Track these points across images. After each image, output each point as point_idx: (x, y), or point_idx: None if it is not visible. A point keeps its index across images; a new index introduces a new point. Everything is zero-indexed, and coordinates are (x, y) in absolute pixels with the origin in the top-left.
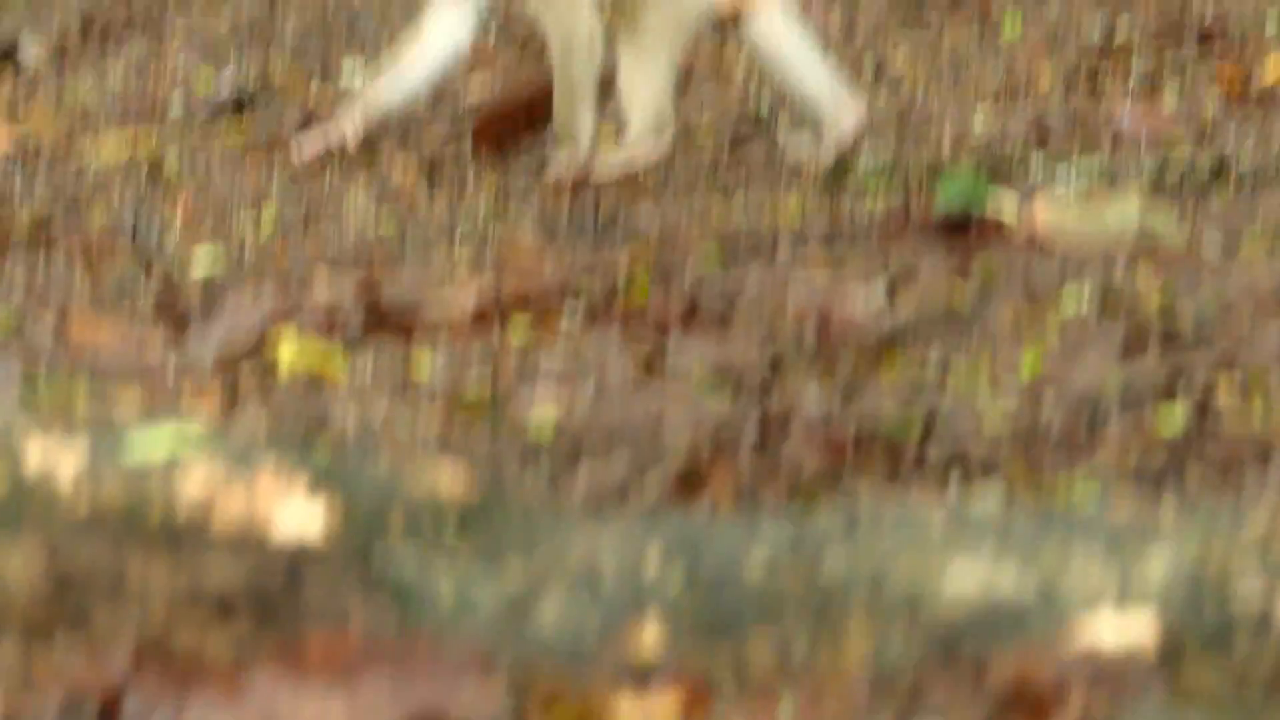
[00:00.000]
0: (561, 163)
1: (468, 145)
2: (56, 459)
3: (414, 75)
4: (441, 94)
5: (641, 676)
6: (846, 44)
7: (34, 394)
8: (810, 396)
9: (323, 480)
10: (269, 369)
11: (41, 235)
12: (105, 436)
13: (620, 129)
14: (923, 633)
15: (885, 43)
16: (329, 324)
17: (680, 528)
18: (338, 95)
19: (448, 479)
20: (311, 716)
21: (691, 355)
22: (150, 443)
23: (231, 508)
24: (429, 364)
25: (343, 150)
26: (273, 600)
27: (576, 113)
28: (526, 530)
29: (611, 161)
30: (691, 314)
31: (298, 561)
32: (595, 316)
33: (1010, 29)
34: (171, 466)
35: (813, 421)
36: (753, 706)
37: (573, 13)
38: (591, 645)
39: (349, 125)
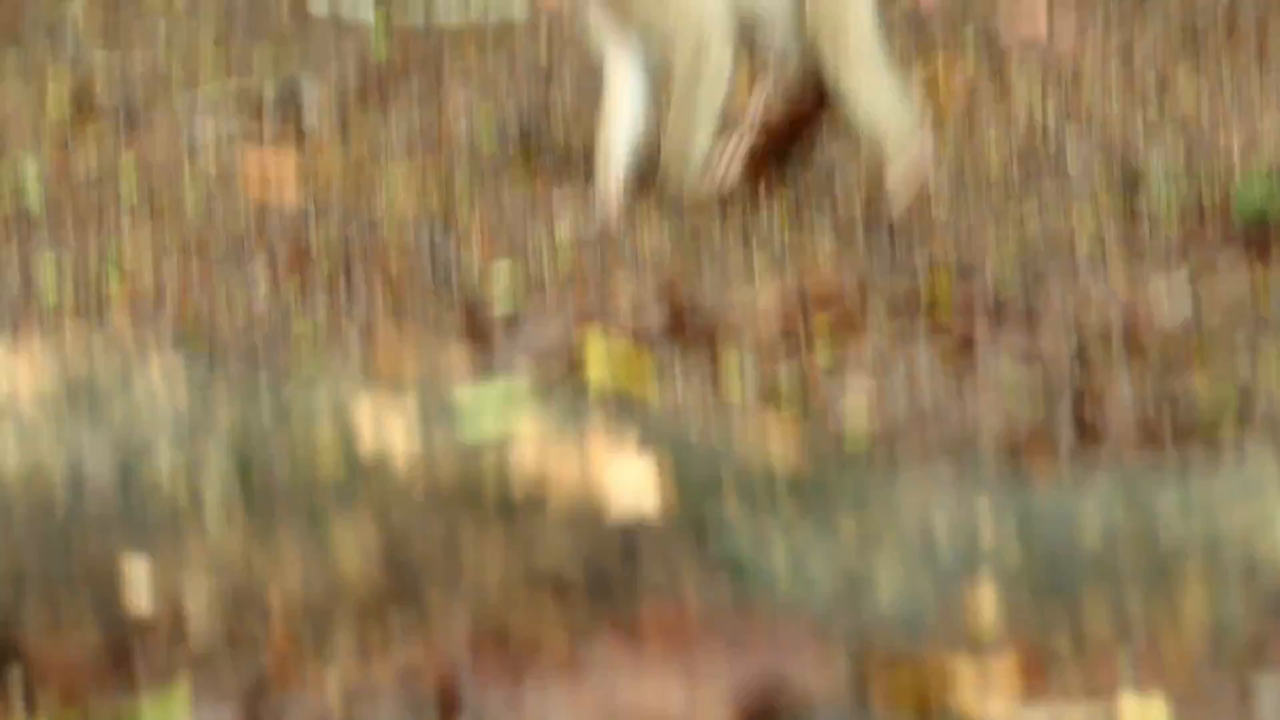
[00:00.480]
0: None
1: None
2: (390, 431)
3: (619, 135)
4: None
5: (979, 643)
6: (1125, 65)
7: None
8: (1122, 385)
9: (653, 442)
10: (577, 367)
11: (341, 259)
12: (434, 398)
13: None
14: (1260, 591)
15: (1164, 64)
16: (633, 325)
17: (1012, 492)
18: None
19: (778, 444)
20: (649, 694)
21: (999, 350)
22: (479, 402)
23: (565, 478)
24: (736, 362)
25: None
26: (609, 577)
27: (692, 141)
28: (858, 497)
29: (897, 180)
30: (996, 311)
31: (633, 536)
32: (899, 315)
33: None
34: (505, 439)
35: (1128, 407)
36: (1091, 670)
37: (700, 27)
38: (928, 613)
39: (607, 198)
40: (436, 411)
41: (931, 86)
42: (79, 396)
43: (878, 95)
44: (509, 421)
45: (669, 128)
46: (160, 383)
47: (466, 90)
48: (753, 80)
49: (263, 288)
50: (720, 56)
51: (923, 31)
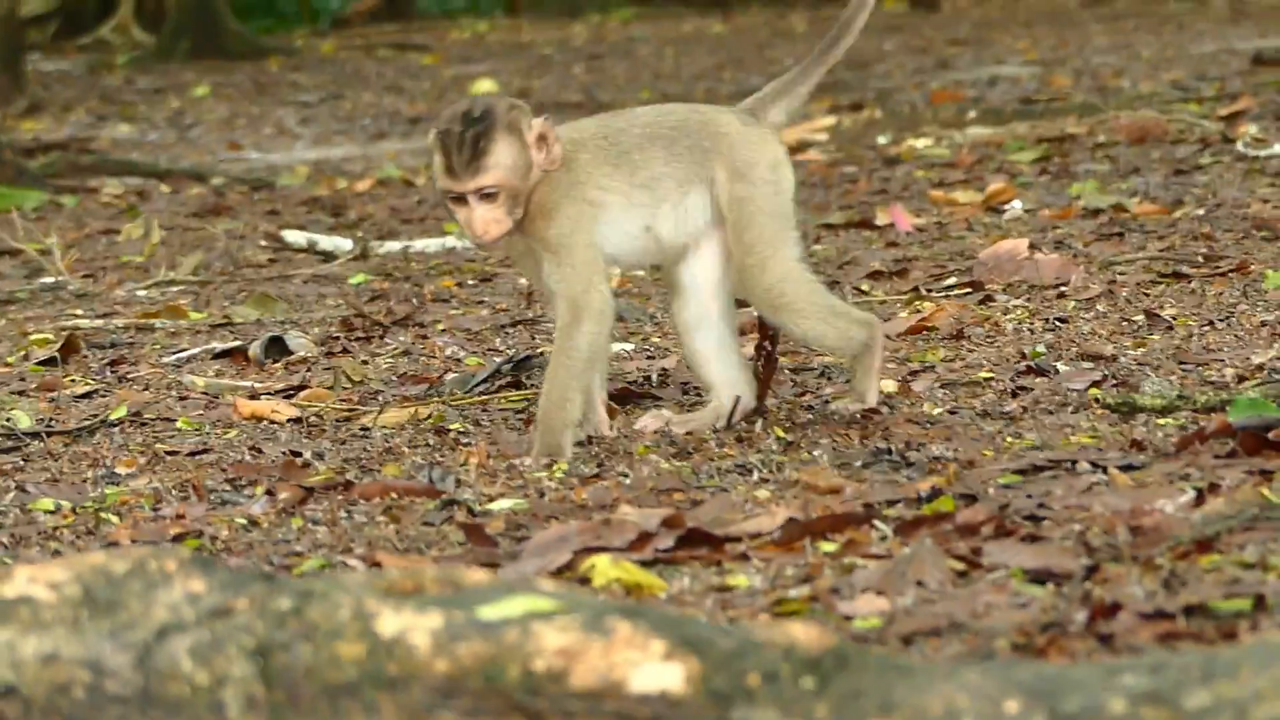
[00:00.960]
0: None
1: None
2: (413, 633)
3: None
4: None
5: None
6: (1110, 297)
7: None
8: (1133, 585)
9: (677, 636)
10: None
11: (339, 486)
12: (457, 608)
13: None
14: None
15: (1149, 296)
16: (639, 548)
17: (1037, 675)
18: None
19: (801, 633)
20: None
21: (1006, 556)
22: (503, 612)
23: (589, 669)
24: (745, 576)
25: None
26: None
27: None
28: (883, 683)
29: (863, 381)
30: (1001, 521)
31: (657, 710)
32: (905, 531)
33: (1273, 280)
34: (527, 629)
35: (1140, 605)
36: None
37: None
38: None
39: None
40: (462, 621)
41: (913, 307)
42: (97, 602)
43: (814, 322)
44: (534, 630)
45: (546, 380)
46: (179, 589)
47: (450, 338)
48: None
49: (264, 520)
50: (605, 304)
51: (902, 254)
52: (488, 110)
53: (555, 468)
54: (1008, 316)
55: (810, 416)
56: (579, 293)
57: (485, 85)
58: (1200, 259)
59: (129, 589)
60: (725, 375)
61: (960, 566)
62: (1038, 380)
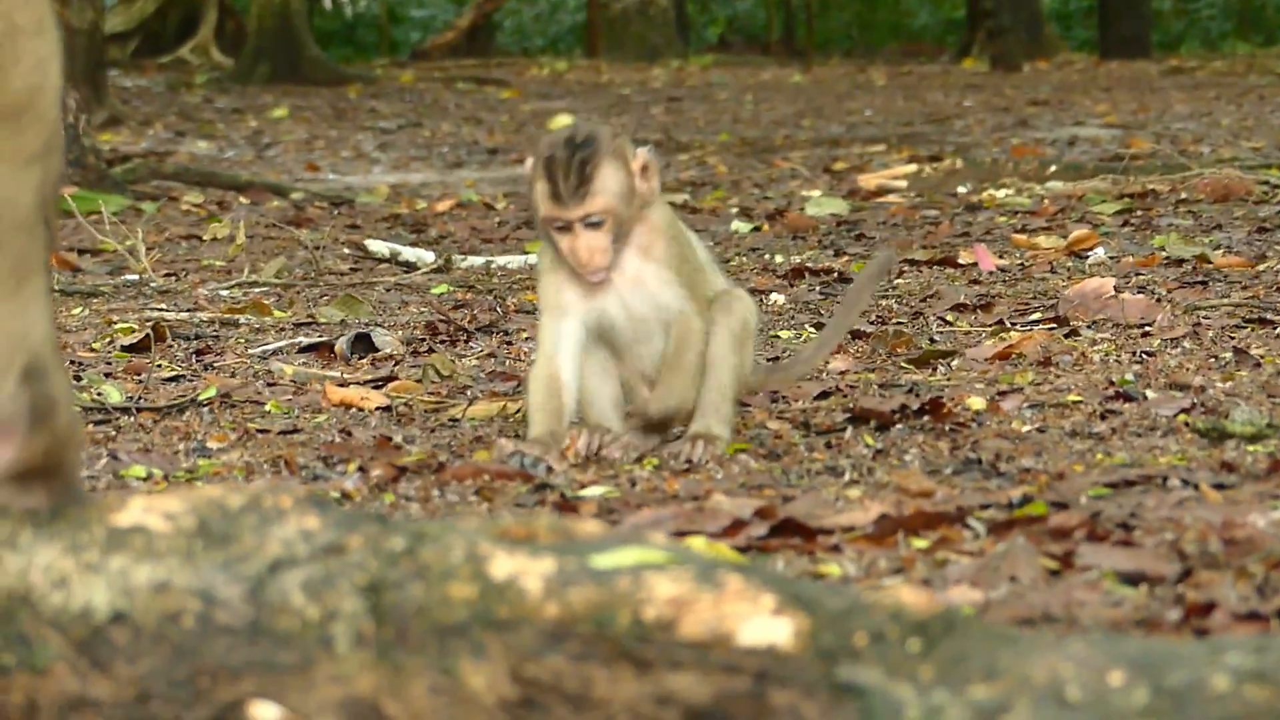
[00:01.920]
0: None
1: (837, 405)
2: (525, 576)
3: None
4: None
5: None
6: (1195, 337)
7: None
8: (1227, 589)
9: (787, 593)
10: None
11: (432, 468)
12: (570, 555)
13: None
14: None
15: (1237, 339)
16: (733, 535)
17: (1142, 649)
18: None
19: (910, 596)
20: None
21: (1099, 558)
22: (616, 561)
23: (699, 620)
24: (837, 566)
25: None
26: (738, 705)
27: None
28: (988, 649)
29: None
30: (1093, 526)
31: (764, 674)
32: (997, 531)
33: None
34: (639, 578)
35: (1234, 606)
36: None
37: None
38: None
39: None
40: (574, 568)
41: (1000, 338)
42: (213, 535)
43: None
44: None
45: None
46: (293, 526)
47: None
48: None
49: (357, 494)
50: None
51: (985, 291)
52: (592, 136)
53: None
54: (1094, 348)
55: (901, 426)
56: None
57: (564, 121)
58: None
59: (244, 523)
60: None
61: (1053, 565)
62: (1126, 405)
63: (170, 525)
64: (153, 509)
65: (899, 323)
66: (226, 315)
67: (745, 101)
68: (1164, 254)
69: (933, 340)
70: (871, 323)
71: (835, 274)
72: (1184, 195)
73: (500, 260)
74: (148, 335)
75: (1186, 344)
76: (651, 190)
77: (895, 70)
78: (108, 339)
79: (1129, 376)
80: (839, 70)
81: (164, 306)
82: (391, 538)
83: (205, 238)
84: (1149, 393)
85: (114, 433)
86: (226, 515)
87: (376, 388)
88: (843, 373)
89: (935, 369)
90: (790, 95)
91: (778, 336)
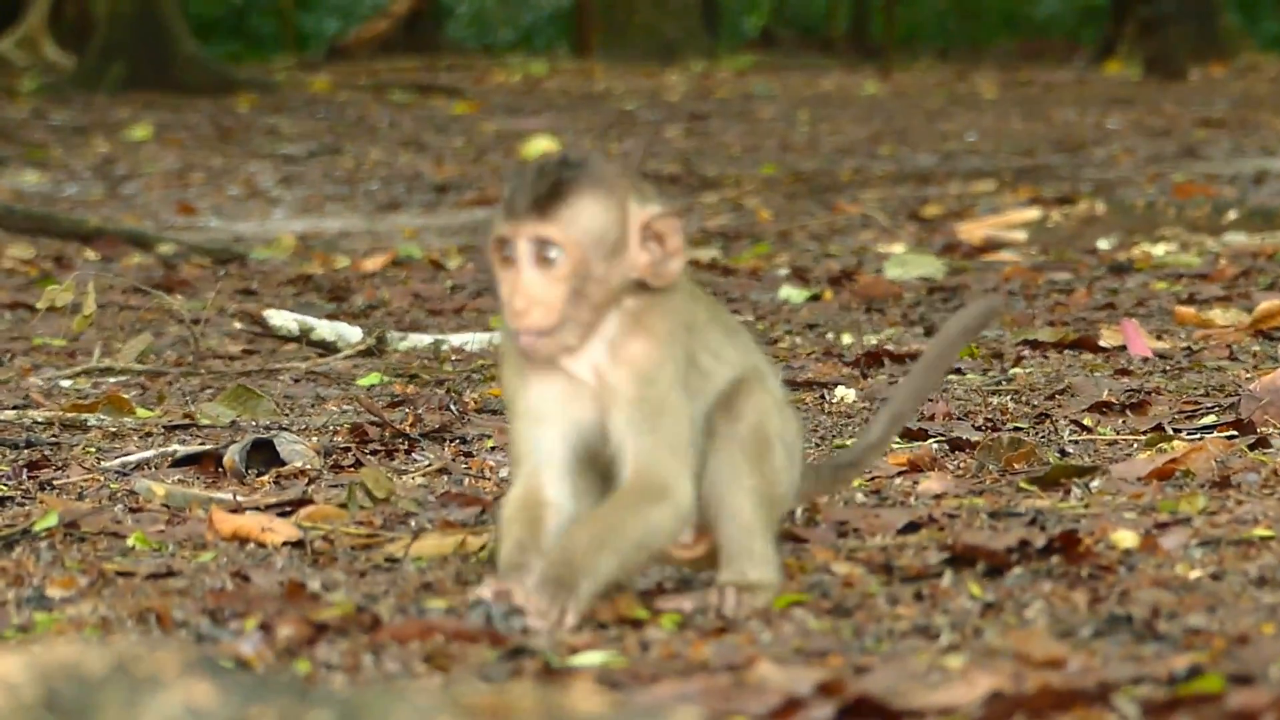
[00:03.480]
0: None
1: (930, 542)
2: None
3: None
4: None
5: None
6: None
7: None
8: None
9: None
10: None
11: (363, 626)
12: None
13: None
14: None
15: None
16: (784, 718)
17: None
18: None
19: None
20: None
21: None
22: None
23: None
24: None
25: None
26: None
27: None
28: None
29: None
30: None
31: None
32: (1155, 714)
33: None
34: None
35: None
36: None
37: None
38: None
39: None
40: None
41: (1158, 450)
42: (65, 711)
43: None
44: None
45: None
46: (178, 699)
47: (503, 434)
48: None
49: (258, 662)
50: (689, 507)
51: (1138, 384)
52: (588, 158)
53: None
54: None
55: (1020, 570)
56: (668, 474)
57: (544, 147)
58: None
59: (108, 694)
60: None
61: None
62: None
63: (7, 699)
64: None
65: (1016, 428)
66: (70, 414)
67: (798, 120)
68: None
69: (1064, 453)
70: (979, 428)
71: None
72: None
73: (454, 339)
74: None
75: None
76: (662, 270)
77: (1010, 77)
78: None
79: None
80: (930, 77)
81: None
82: (313, 713)
83: (38, 306)
84: None
85: None
86: (84, 684)
87: (283, 515)
88: (938, 496)
89: (1067, 492)
90: (862, 111)
91: (844, 447)
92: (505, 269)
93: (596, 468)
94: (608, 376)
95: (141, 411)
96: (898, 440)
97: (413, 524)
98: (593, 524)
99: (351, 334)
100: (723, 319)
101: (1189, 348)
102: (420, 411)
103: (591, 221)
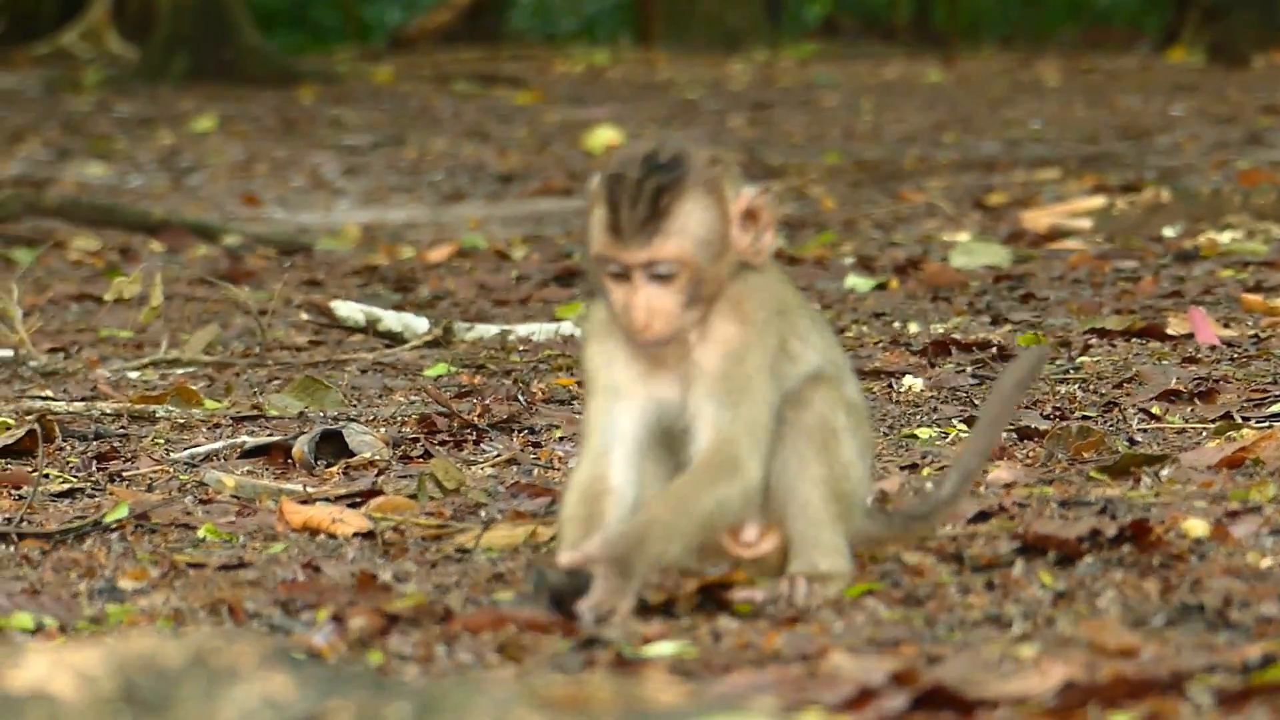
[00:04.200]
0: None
1: (1001, 531)
2: None
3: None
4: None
5: None
6: None
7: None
8: None
9: None
10: None
11: (435, 617)
12: None
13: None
14: None
15: None
16: (859, 708)
17: None
18: None
19: None
20: None
21: None
22: None
23: None
24: None
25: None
26: None
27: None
28: None
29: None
30: None
31: None
32: (1229, 703)
33: None
34: None
35: None
36: None
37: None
38: None
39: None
40: None
41: (1227, 438)
42: (143, 703)
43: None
44: None
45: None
46: (255, 691)
47: (572, 424)
48: None
49: (331, 653)
50: (758, 481)
51: (1206, 372)
52: (680, 157)
53: (613, 613)
54: None
55: (1091, 559)
56: (743, 450)
57: (608, 136)
58: None
59: (186, 686)
60: None
61: None
62: None
63: (85, 691)
64: (60, 667)
65: (1084, 417)
66: (138, 406)
67: (862, 108)
68: None
69: (1133, 441)
70: (1047, 416)
71: (993, 349)
72: None
73: (521, 330)
74: (29, 434)
75: None
76: (759, 247)
77: (1073, 65)
78: None
79: None
80: (994, 65)
81: (50, 394)
82: (391, 705)
83: (105, 298)
84: None
85: None
86: (162, 676)
87: (353, 506)
88: (1008, 486)
89: (1137, 481)
90: (925, 100)
91: (914, 436)
92: (618, 285)
93: (669, 450)
94: (695, 353)
95: (209, 403)
96: (965, 429)
97: (483, 515)
98: (664, 501)
99: (418, 324)
100: (809, 308)
101: (1256, 335)
102: (488, 402)
103: (699, 229)
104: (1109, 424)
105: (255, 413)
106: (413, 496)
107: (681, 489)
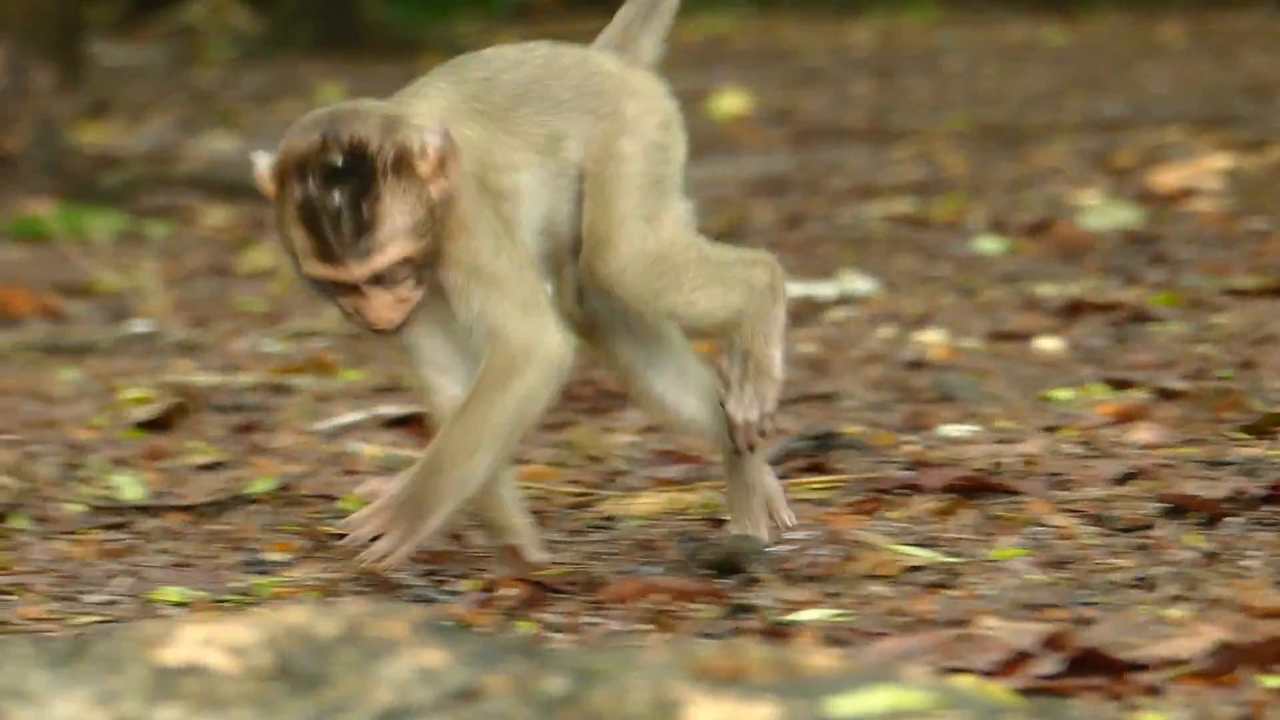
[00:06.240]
0: None
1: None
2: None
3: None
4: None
5: None
6: None
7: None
8: None
9: None
10: None
11: (583, 586)
12: (798, 698)
13: None
14: None
15: None
16: (1011, 672)
17: None
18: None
19: None
20: None
21: None
22: (862, 706)
23: None
24: (1158, 715)
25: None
26: None
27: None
28: None
29: (768, 351)
30: None
31: None
32: None
33: None
34: None
35: None
36: None
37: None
38: None
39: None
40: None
41: None
42: (298, 676)
43: (710, 288)
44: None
45: (444, 433)
46: (409, 663)
47: None
48: None
49: (478, 622)
50: (560, 352)
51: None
52: (357, 150)
53: (385, 551)
54: None
55: (1237, 519)
56: (526, 334)
57: (732, 102)
58: None
59: (340, 659)
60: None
61: None
62: None
63: (239, 663)
64: (213, 641)
65: (1222, 376)
66: (277, 378)
67: (985, 72)
68: None
69: (1272, 400)
70: (1185, 376)
71: (1127, 311)
72: None
73: None
74: (170, 407)
75: None
76: (454, 181)
77: (1197, 24)
78: (113, 412)
79: None
80: (1116, 25)
81: (189, 366)
82: (548, 678)
83: (239, 271)
84: None
85: (133, 540)
86: (316, 649)
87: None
88: (1148, 446)
89: (1277, 440)
90: (1049, 61)
91: (1048, 398)
92: (340, 293)
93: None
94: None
95: (347, 373)
96: (1106, 389)
97: (626, 482)
98: (454, 425)
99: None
100: (501, 132)
101: None
102: None
103: (408, 218)
104: (1247, 383)
105: (391, 384)
106: (556, 464)
107: (471, 404)
